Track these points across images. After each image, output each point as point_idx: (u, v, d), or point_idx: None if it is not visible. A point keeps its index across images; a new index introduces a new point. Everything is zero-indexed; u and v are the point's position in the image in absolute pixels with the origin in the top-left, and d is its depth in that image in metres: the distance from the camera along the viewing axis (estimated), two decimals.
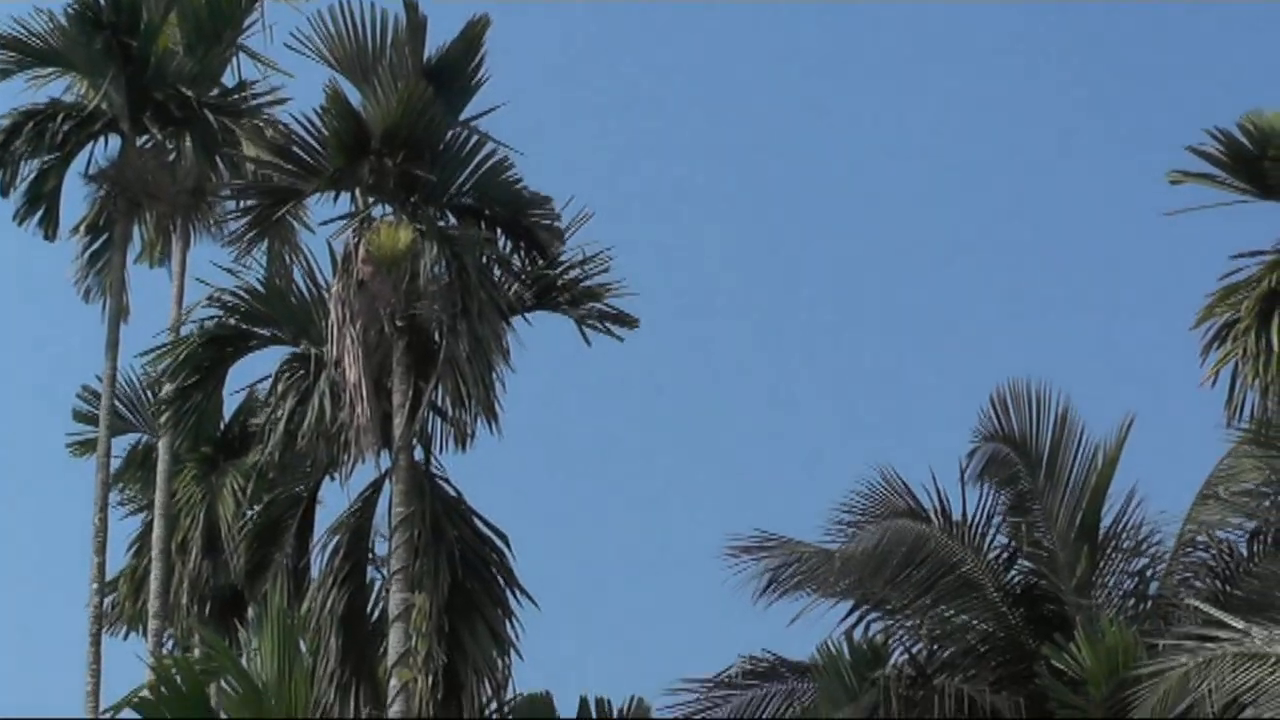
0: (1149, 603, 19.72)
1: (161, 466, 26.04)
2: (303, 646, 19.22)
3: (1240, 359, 18.54)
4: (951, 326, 46.25)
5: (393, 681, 17.55)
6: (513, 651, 18.31)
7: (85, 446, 27.84)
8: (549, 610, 19.45)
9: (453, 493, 18.61)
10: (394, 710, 17.44)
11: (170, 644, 25.59)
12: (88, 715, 24.58)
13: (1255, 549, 19.46)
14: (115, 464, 27.71)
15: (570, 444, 45.54)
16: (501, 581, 18.37)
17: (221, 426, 27.11)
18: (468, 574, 18.12)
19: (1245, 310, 18.42)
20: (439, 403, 18.40)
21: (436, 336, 18.37)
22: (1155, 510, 20.06)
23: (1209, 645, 14.16)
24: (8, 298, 43.16)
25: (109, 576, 27.44)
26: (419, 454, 18.48)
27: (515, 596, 18.39)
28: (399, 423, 18.02)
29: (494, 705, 18.55)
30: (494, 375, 17.99)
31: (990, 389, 20.21)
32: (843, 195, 48.78)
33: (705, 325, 47.77)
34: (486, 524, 18.58)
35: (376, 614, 18.75)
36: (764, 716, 20.56)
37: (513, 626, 18.31)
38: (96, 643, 25.55)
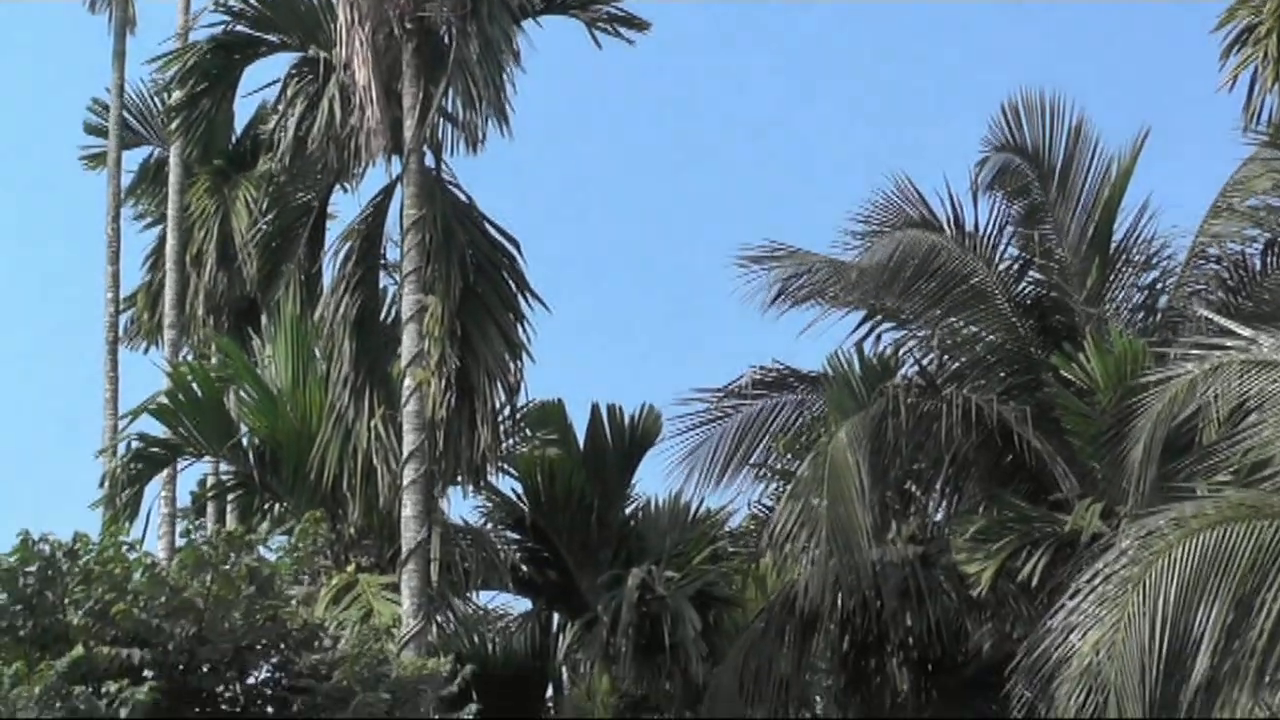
0: (1158, 315, 19.75)
1: (173, 178, 26.00)
2: (316, 353, 19.39)
3: (1260, 63, 18.25)
4: (962, 30, 45.68)
5: (406, 382, 17.60)
6: (525, 356, 18.33)
7: (97, 159, 27.76)
8: (561, 318, 19.50)
9: (464, 198, 18.50)
10: (408, 410, 17.53)
11: (187, 354, 25.79)
12: (107, 420, 24.91)
13: (1269, 261, 19.43)
14: (127, 179, 27.72)
15: (585, 152, 45.44)
16: (513, 286, 18.30)
17: (233, 140, 26.98)
18: (479, 278, 18.06)
19: (1267, 13, 18.08)
20: (449, 107, 18.16)
21: (446, 39, 18.05)
22: (1168, 225, 20.03)
23: (1216, 353, 14.17)
24: (12, 9, 42.66)
25: (127, 293, 27.63)
26: (430, 160, 18.30)
27: (527, 301, 18.36)
28: (409, 125, 17.78)
29: (507, 410, 18.67)
30: (504, 76, 17.70)
31: (1002, 97, 20.02)
32: None
33: (719, 39, 47.28)
34: (498, 229, 18.49)
35: (390, 319, 18.78)
36: (774, 426, 20.76)
37: (524, 330, 18.32)
38: (114, 351, 25.82)
